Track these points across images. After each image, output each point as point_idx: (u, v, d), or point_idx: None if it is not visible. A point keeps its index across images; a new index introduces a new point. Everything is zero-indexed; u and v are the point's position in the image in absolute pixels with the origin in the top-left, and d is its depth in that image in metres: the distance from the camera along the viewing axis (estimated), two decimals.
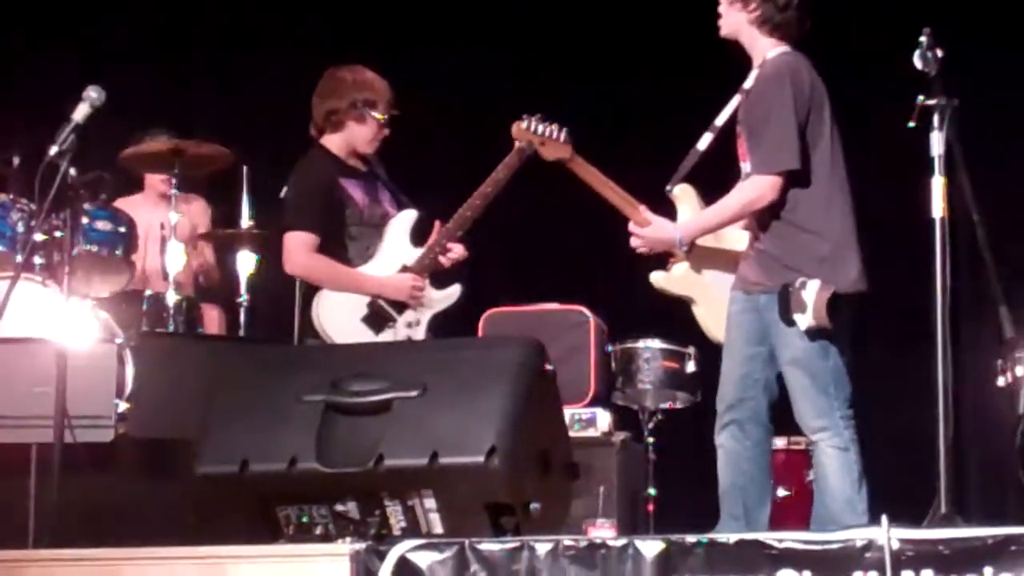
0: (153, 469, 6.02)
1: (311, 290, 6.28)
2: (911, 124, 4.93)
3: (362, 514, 4.71)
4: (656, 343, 6.91)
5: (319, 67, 6.59)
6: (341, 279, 6.32)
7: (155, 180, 7.51)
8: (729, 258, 5.71)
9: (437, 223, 6.42)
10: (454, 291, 6.43)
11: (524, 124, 6.15)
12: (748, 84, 5.64)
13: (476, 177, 6.34)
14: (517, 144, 6.15)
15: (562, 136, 6.10)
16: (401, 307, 6.34)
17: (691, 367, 6.96)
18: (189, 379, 6.01)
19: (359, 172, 6.49)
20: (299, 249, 6.34)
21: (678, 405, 7.02)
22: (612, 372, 6.94)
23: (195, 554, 4.50)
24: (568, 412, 6.23)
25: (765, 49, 5.60)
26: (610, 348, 6.97)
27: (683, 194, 5.80)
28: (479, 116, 7.42)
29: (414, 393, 4.77)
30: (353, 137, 6.49)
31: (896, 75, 5.07)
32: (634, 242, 5.77)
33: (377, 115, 6.46)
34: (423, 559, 4.32)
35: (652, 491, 6.73)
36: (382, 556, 4.34)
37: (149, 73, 8.33)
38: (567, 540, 4.33)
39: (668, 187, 5.82)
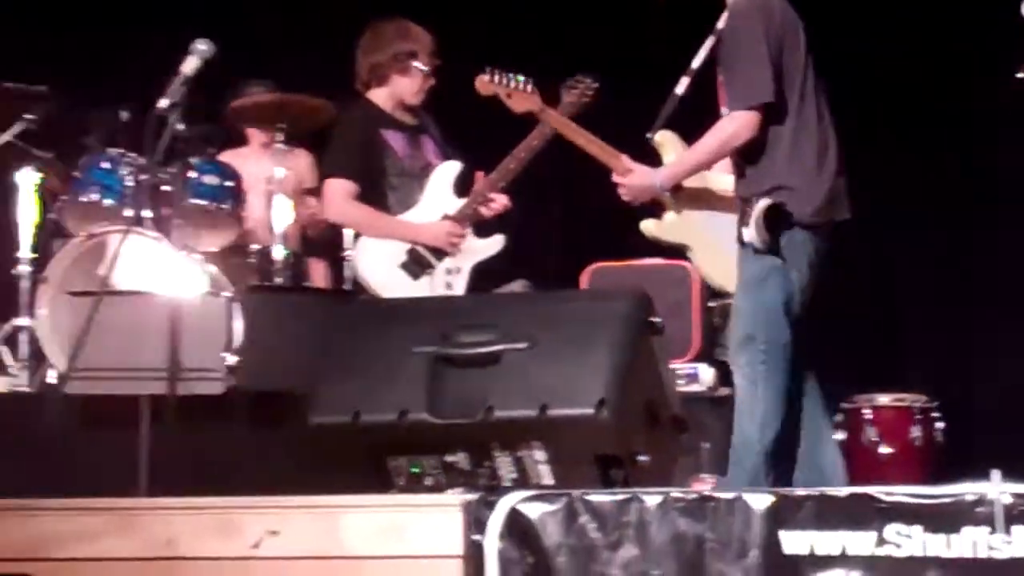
0: (264, 420, 6.08)
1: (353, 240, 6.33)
2: (1020, 75, 4.89)
3: (472, 465, 4.74)
4: None
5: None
6: (378, 225, 6.37)
7: (259, 133, 7.55)
8: (718, 200, 5.60)
9: (479, 174, 6.43)
10: (496, 240, 6.45)
11: (487, 77, 6.09)
12: (720, 24, 5.54)
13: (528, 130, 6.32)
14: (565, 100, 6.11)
15: (528, 87, 6.05)
16: (440, 254, 6.36)
17: None
18: (297, 332, 6.07)
19: (403, 124, 6.52)
20: (337, 196, 6.40)
21: None
22: (715, 328, 6.92)
23: (307, 503, 4.53)
24: (671, 368, 6.23)
25: None
26: (712, 304, 6.95)
27: (665, 140, 5.71)
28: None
29: (523, 345, 4.77)
30: (398, 89, 6.53)
31: (1006, 26, 5.01)
32: (620, 192, 5.69)
33: (421, 66, 6.47)
34: (533, 510, 4.34)
35: None
36: (492, 507, 4.36)
37: (249, 28, 8.36)
38: (676, 492, 4.33)
39: (649, 134, 5.72)
